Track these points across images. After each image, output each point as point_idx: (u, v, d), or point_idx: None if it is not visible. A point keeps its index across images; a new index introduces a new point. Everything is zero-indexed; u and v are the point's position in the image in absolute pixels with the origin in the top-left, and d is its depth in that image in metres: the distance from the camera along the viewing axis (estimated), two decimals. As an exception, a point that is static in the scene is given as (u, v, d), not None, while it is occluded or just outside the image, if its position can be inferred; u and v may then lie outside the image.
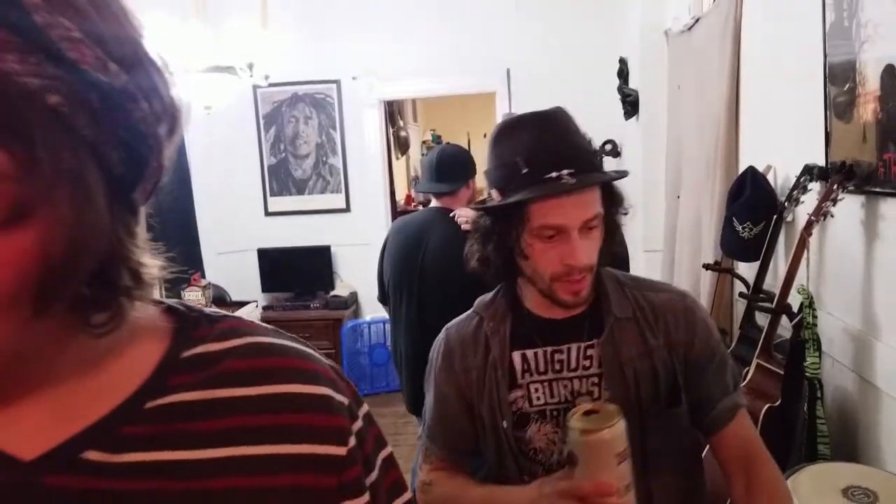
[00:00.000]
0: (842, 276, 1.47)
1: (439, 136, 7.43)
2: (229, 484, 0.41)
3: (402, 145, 6.28)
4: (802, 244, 1.42)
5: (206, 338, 0.45)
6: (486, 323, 1.02)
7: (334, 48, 3.86)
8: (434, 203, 2.10)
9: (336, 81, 3.92)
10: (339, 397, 0.47)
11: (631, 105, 3.30)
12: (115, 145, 0.35)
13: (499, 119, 3.96)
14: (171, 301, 0.47)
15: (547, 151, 0.93)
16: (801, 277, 1.47)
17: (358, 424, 0.47)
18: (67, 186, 0.33)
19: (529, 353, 0.99)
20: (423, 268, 1.98)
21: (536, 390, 0.99)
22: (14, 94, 0.31)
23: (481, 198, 2.21)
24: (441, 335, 1.07)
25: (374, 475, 0.48)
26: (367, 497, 0.46)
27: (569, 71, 3.71)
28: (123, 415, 0.41)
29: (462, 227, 1.95)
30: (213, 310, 0.48)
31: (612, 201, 0.98)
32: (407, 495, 0.51)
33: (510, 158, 0.93)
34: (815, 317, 1.40)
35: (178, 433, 0.41)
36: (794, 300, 1.47)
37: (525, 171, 0.92)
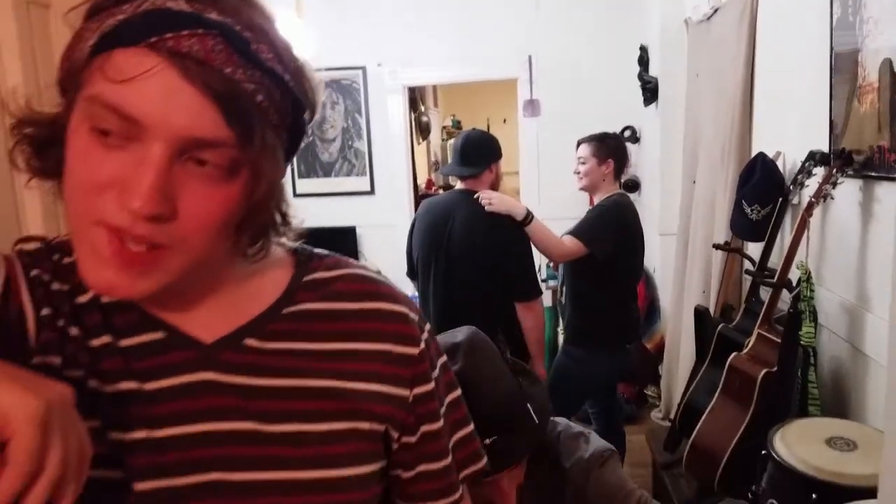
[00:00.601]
0: (839, 253, 1.58)
1: (459, 122, 7.52)
2: (340, 367, 0.59)
3: (424, 130, 6.39)
4: (803, 224, 1.53)
5: (318, 268, 0.62)
6: None
7: (360, 36, 3.98)
8: (459, 185, 2.24)
9: (362, 68, 4.04)
10: (412, 314, 0.64)
11: (650, 92, 3.38)
12: (286, 127, 0.52)
13: (520, 105, 4.07)
14: (289, 243, 0.63)
15: None
16: (801, 255, 1.59)
17: (425, 335, 0.64)
18: (268, 155, 0.50)
19: None
20: (449, 245, 2.12)
21: None
22: (239, 94, 0.47)
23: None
24: None
25: (436, 372, 0.64)
26: (431, 386, 0.63)
27: (590, 58, 3.79)
28: (268, 316, 0.58)
29: (486, 208, 2.09)
30: (318, 249, 0.65)
31: None
32: (458, 392, 0.68)
33: None
34: (811, 290, 1.51)
35: (305, 331, 0.59)
36: (795, 276, 1.58)
37: None
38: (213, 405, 0.55)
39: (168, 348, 0.56)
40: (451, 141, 2.40)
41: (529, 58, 3.95)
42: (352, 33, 3.97)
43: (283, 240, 0.60)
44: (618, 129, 3.41)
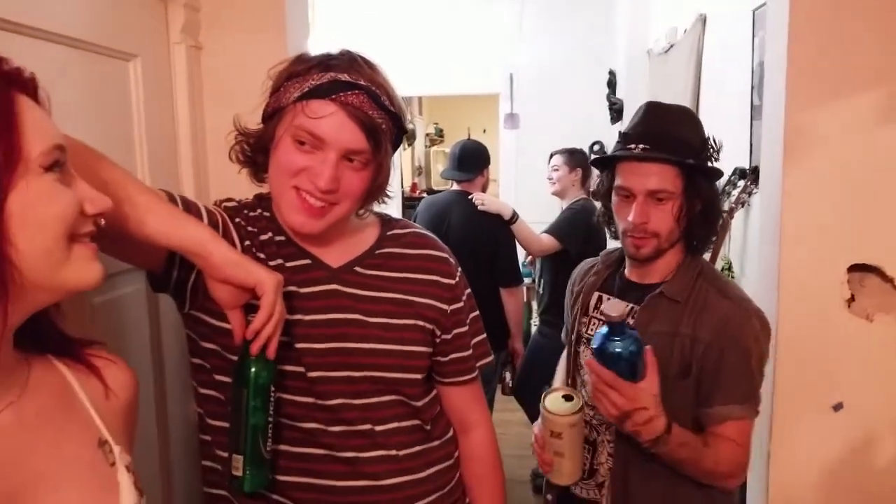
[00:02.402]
0: (755, 249, 2.03)
1: (442, 130, 7.94)
2: (408, 287, 0.98)
3: (409, 137, 6.77)
4: (725, 226, 1.97)
5: (395, 227, 1.02)
6: (600, 264, 1.33)
7: (352, 48, 4.34)
8: (455, 186, 2.65)
9: (359, 79, 4.41)
10: (451, 259, 1.04)
11: (617, 112, 3.83)
12: (393, 142, 0.93)
13: (501, 118, 4.49)
14: (377, 212, 1.03)
15: (638, 128, 1.16)
16: (725, 250, 2.03)
17: (458, 272, 1.04)
18: (385, 157, 0.90)
19: (605, 296, 1.26)
20: (447, 237, 2.51)
21: (594, 324, 1.25)
22: (375, 126, 0.87)
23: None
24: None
25: (464, 297, 1.04)
26: (462, 304, 1.03)
27: (565, 78, 4.23)
28: (368, 255, 0.98)
29: (479, 207, 2.50)
30: (395, 216, 1.04)
31: (694, 188, 1.14)
32: (477, 312, 1.08)
33: (623, 130, 1.19)
34: (732, 277, 1.95)
35: (389, 265, 0.98)
36: (720, 266, 2.02)
37: (619, 140, 1.18)
38: (338, 303, 0.94)
39: (312, 269, 0.95)
40: (449, 148, 2.83)
41: (511, 75, 4.38)
42: (344, 46, 4.32)
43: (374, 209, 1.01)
44: (588, 144, 3.85)
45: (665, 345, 1.11)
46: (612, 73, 3.97)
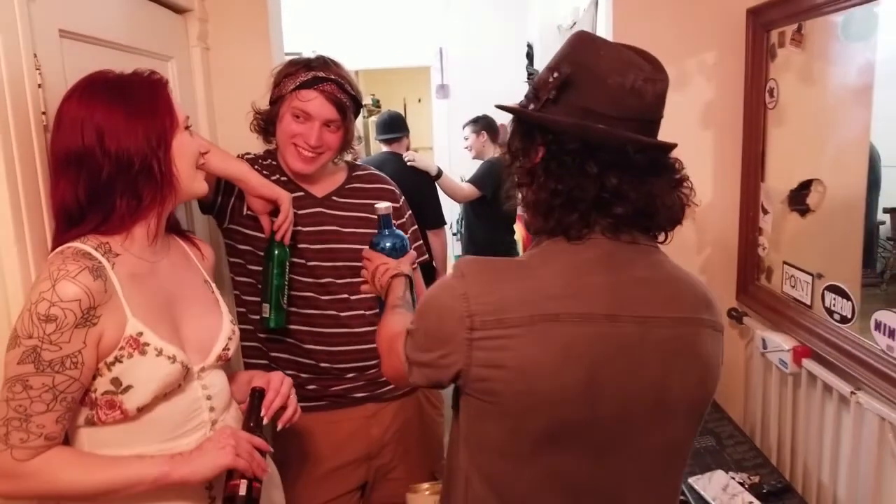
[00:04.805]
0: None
1: (378, 101, 8.19)
2: (368, 207, 1.40)
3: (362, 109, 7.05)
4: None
5: (357, 170, 1.50)
6: None
7: (294, 25, 4.59)
8: (385, 149, 3.08)
9: (298, 54, 4.66)
10: (397, 189, 1.53)
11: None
12: (354, 113, 1.42)
13: (433, 88, 4.85)
14: (346, 160, 1.47)
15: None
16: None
17: (402, 198, 1.54)
18: (350, 124, 1.42)
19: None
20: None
21: None
22: (344, 105, 1.40)
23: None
24: None
25: (406, 214, 1.53)
26: (405, 219, 1.53)
27: (489, 51, 4.62)
28: (341, 188, 1.47)
29: (408, 164, 2.92)
30: (359, 162, 1.50)
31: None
32: (416, 227, 1.59)
33: None
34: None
35: (355, 194, 1.47)
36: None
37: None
38: (322, 219, 1.43)
39: (305, 198, 1.44)
40: (374, 118, 3.44)
41: (440, 49, 4.73)
42: (291, 25, 4.57)
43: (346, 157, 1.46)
44: (510, 110, 4.28)
45: None
46: (529, 46, 4.38)
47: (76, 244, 0.97)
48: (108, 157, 0.96)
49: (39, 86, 1.04)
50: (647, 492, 0.88)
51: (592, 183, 0.79)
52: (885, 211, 1.77)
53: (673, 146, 0.84)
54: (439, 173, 3.06)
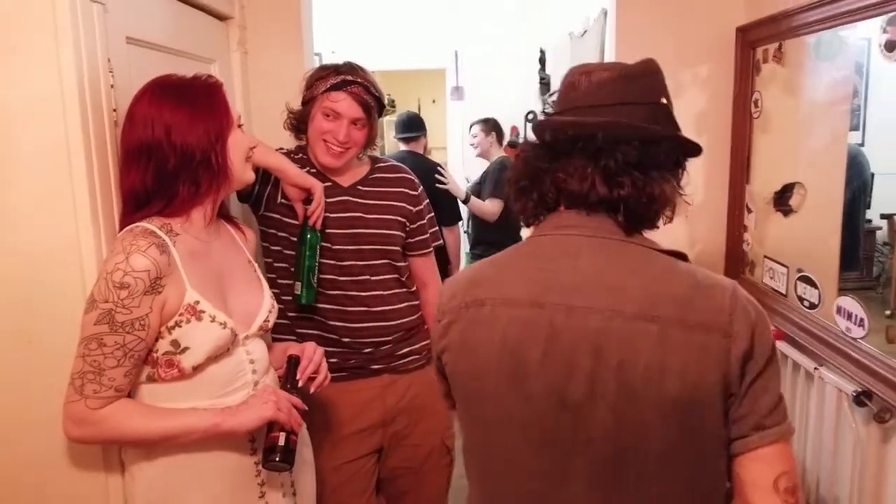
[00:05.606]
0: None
1: (394, 101, 8.35)
2: (390, 196, 1.64)
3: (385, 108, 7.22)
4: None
5: (380, 163, 1.70)
6: None
7: (315, 27, 4.77)
8: (402, 147, 3.24)
9: (318, 55, 4.83)
10: (416, 180, 1.71)
11: (546, 86, 4.41)
12: (378, 112, 1.61)
13: (447, 90, 5.02)
14: (370, 154, 1.64)
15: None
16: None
17: (420, 187, 1.70)
18: (375, 122, 1.57)
19: None
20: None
21: None
22: (369, 105, 1.58)
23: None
24: None
25: (424, 202, 1.70)
26: (422, 207, 1.72)
27: (503, 55, 4.77)
28: (365, 178, 1.65)
29: (438, 186, 3.09)
30: (382, 156, 1.68)
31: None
32: (433, 215, 1.75)
33: None
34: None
35: (378, 184, 1.64)
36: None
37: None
38: (348, 207, 1.60)
39: (333, 188, 1.61)
40: (388, 117, 3.63)
41: (455, 52, 4.89)
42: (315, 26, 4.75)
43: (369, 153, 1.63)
44: (523, 113, 4.44)
45: None
46: (542, 52, 4.54)
47: (144, 224, 1.12)
48: (174, 150, 1.12)
49: (112, 86, 1.22)
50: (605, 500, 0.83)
51: (545, 175, 0.88)
52: (882, 217, 1.80)
53: (585, 123, 0.84)
54: (467, 197, 3.26)
